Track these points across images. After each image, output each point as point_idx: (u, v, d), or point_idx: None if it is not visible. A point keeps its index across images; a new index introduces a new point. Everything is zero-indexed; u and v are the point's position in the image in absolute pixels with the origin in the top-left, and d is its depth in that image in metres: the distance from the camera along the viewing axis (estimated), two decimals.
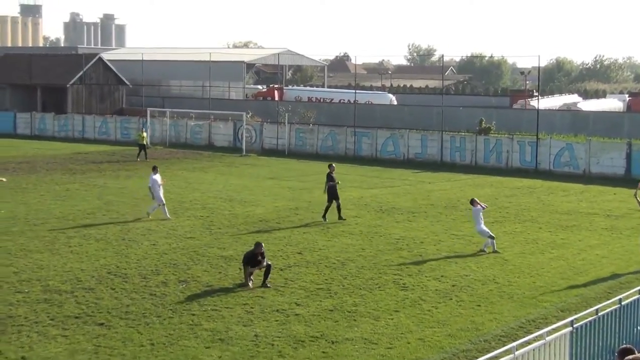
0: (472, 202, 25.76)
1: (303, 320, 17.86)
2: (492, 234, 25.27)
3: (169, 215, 29.56)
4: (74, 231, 27.02)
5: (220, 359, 15.45)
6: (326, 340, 16.55)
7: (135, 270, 21.96)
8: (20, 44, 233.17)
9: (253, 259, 20.52)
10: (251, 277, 20.57)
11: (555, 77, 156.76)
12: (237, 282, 20.86)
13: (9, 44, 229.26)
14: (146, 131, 54.26)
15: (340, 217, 29.68)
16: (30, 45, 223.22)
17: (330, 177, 30.00)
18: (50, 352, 15.63)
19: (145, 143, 50.12)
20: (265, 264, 20.59)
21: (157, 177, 29.86)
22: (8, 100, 79.36)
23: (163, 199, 29.69)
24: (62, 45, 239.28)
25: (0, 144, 58.00)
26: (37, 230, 27.14)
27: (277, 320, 17.79)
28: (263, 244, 20.97)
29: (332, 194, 29.83)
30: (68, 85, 76.04)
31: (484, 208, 25.62)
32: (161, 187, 29.79)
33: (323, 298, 19.61)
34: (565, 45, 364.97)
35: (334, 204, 29.81)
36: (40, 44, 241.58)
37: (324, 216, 29.58)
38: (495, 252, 24.84)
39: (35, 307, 18.39)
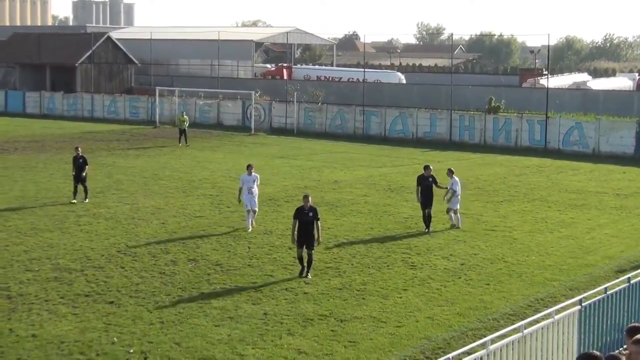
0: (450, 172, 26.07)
1: (312, 298, 17.91)
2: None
3: (250, 226, 24.36)
4: (83, 210, 27.12)
5: (230, 337, 15.52)
6: (335, 319, 16.60)
7: (144, 249, 22.05)
8: (29, 23, 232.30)
9: (300, 213, 19.59)
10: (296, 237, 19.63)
11: (564, 55, 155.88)
12: (246, 260, 20.95)
13: (18, 23, 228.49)
14: (187, 115, 49.80)
15: (427, 230, 24.71)
16: (39, 24, 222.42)
17: (422, 180, 25.14)
18: (61, 330, 15.72)
19: (185, 128, 47.00)
20: (316, 224, 19.53)
21: (250, 177, 24.40)
22: (17, 80, 79.48)
23: (249, 205, 24.24)
24: (71, 24, 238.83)
25: (9, 123, 58.17)
26: (47, 209, 27.25)
27: (286, 299, 17.85)
28: (309, 196, 19.85)
29: (425, 199, 24.86)
30: (77, 65, 76.03)
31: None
32: (252, 190, 24.25)
33: (332, 277, 19.66)
34: (575, 24, 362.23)
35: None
36: (49, 23, 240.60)
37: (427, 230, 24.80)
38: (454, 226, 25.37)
39: (46, 286, 18.50)
